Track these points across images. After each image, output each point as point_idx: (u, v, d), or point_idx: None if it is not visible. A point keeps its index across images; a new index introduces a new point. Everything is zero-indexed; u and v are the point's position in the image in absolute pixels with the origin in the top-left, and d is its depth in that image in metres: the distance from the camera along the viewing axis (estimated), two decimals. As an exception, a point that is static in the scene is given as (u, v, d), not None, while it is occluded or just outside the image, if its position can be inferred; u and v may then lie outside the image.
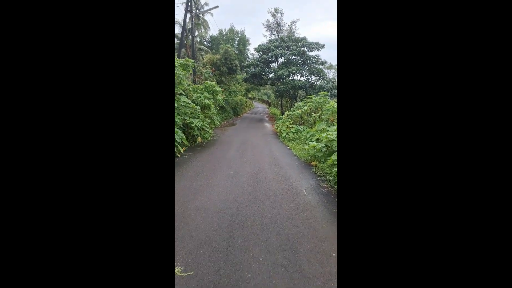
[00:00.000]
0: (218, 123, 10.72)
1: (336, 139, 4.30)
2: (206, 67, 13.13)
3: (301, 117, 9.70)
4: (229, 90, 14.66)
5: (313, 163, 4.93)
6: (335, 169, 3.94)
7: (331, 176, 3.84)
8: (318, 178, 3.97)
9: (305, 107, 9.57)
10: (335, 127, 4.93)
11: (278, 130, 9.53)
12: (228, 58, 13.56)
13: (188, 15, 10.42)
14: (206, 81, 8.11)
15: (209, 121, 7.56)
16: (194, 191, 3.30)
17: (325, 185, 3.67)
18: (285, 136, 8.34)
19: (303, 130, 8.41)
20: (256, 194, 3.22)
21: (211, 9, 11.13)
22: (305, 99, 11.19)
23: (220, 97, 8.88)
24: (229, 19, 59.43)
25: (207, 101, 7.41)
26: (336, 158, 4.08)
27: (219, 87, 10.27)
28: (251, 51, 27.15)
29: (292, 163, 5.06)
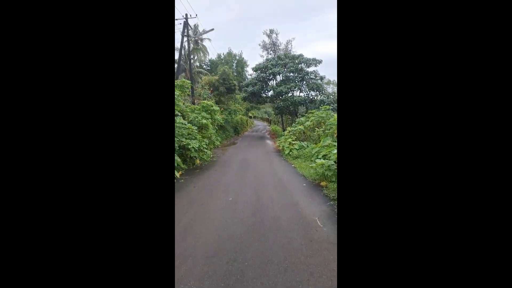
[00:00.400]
0: (218, 143, 10.32)
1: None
2: (205, 88, 13.10)
3: (304, 132, 9.26)
4: (229, 110, 14.50)
5: (322, 183, 4.35)
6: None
7: (346, 199, 3.26)
8: (332, 203, 3.37)
9: (307, 122, 9.18)
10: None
11: (280, 147, 9.05)
12: (226, 78, 13.61)
13: (185, 39, 10.57)
14: (203, 101, 7.86)
15: (207, 141, 7.12)
16: (183, 227, 2.72)
17: (341, 211, 3.07)
18: (288, 153, 7.82)
19: (307, 146, 7.91)
20: (258, 228, 2.63)
21: (207, 31, 11.33)
22: (306, 114, 10.86)
23: (218, 116, 8.56)
24: (227, 45, 62.47)
25: (204, 121, 7.04)
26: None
27: (218, 106, 10.07)
28: (249, 72, 27.84)
29: (299, 184, 4.49)
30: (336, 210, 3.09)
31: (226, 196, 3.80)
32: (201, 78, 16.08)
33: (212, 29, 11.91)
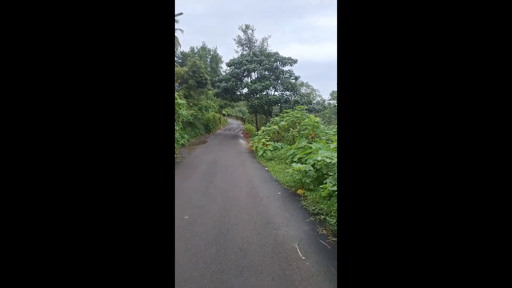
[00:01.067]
0: (184, 141, 9.24)
1: (336, 163, 3.28)
2: (172, 80, 11.75)
3: (278, 132, 8.78)
4: (199, 105, 13.32)
5: (299, 191, 3.82)
6: (335, 205, 2.84)
7: (330, 216, 2.72)
8: (312, 219, 2.82)
9: (282, 122, 8.71)
10: (334, 145, 3.94)
11: (254, 148, 8.41)
12: (196, 70, 12.40)
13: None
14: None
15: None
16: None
17: (324, 231, 2.52)
18: (262, 154, 7.22)
19: (282, 148, 7.42)
20: (219, 268, 1.90)
21: (176, 15, 10.05)
22: (281, 114, 10.44)
23: (184, 112, 7.51)
24: (201, 39, 59.78)
25: None
26: (332, 187, 3.00)
27: (185, 100, 8.95)
28: (224, 68, 26.67)
29: (273, 193, 3.88)
30: (318, 230, 2.53)
31: (181, 213, 2.97)
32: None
33: (181, 13, 10.62)
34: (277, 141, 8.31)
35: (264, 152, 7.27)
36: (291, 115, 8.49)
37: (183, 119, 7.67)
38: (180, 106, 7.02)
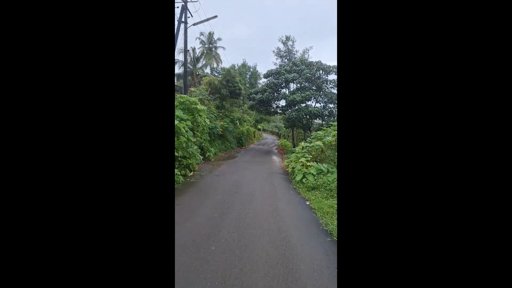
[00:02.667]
0: (210, 155, 8.04)
1: None
2: (204, 90, 11.05)
3: (322, 150, 6.80)
4: (231, 117, 12.31)
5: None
6: None
7: None
8: None
9: (328, 137, 6.74)
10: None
11: (289, 169, 6.60)
12: (230, 80, 11.55)
13: (182, 26, 8.71)
14: (182, 95, 5.62)
15: (181, 153, 4.79)
16: None
17: None
18: (301, 180, 5.34)
19: (329, 172, 5.41)
20: None
21: (210, 19, 9.45)
22: (325, 128, 8.47)
23: (206, 120, 6.30)
24: (242, 56, 62.64)
25: (176, 123, 4.67)
26: None
27: (216, 110, 7.92)
28: (262, 81, 26.09)
29: (323, 257, 2.01)
30: None
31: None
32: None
33: (216, 16, 10.01)
34: (320, 162, 6.33)
35: (304, 177, 5.39)
36: (340, 129, 6.50)
37: (204, 129, 6.44)
38: (200, 114, 5.80)
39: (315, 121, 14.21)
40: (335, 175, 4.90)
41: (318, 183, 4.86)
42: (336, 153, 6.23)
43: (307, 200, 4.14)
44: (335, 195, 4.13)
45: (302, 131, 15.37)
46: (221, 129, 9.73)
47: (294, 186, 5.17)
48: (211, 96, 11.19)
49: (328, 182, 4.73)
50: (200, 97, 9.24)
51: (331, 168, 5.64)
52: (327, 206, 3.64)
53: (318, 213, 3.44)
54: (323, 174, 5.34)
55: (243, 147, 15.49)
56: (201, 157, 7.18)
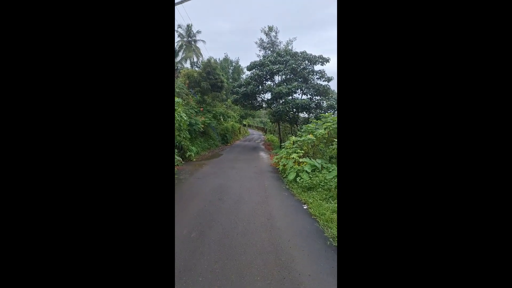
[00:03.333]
0: (192, 155, 7.19)
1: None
2: (182, 83, 9.98)
3: (315, 145, 6.26)
4: (213, 112, 11.37)
5: None
6: None
7: None
8: None
9: (320, 130, 6.21)
10: None
11: (280, 166, 5.99)
12: (211, 71, 10.57)
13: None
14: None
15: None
16: None
17: None
18: (294, 179, 4.74)
19: (325, 168, 4.87)
20: None
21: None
22: (315, 120, 7.95)
23: (181, 115, 5.43)
24: (223, 50, 60.71)
25: None
26: None
27: (197, 105, 7.04)
28: (246, 73, 24.95)
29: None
30: None
31: None
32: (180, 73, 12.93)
33: None
34: (312, 157, 5.78)
35: (297, 175, 4.79)
36: (333, 120, 5.98)
37: (180, 125, 5.55)
38: (175, 107, 4.94)
39: (301, 114, 13.72)
40: (333, 172, 4.35)
41: (314, 182, 4.28)
42: (329, 147, 5.71)
43: (304, 204, 3.54)
44: (336, 195, 3.57)
45: (289, 125, 14.86)
46: (202, 126, 8.84)
47: (287, 187, 4.55)
48: (190, 90, 10.17)
49: (326, 181, 4.17)
50: (177, 90, 8.25)
51: (325, 163, 5.11)
52: (330, 211, 3.06)
53: (320, 221, 2.85)
54: (318, 171, 4.78)
55: (228, 144, 14.66)
56: (180, 159, 6.32)
